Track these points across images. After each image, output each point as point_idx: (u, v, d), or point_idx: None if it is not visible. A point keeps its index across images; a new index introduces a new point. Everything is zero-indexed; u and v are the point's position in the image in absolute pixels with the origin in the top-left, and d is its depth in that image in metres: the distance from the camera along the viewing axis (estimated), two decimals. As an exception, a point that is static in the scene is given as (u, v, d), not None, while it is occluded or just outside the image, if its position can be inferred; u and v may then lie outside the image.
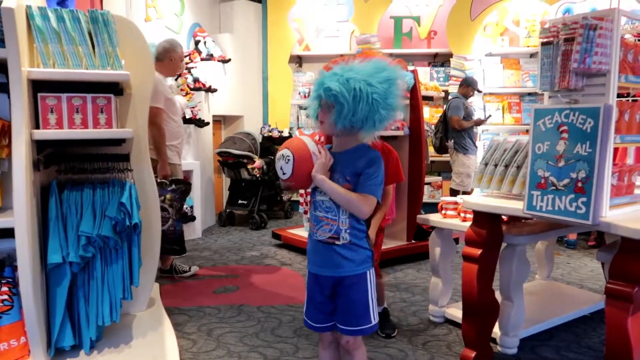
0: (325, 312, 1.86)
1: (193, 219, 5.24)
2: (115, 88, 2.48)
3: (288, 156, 1.73)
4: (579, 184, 1.94)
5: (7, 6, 2.05)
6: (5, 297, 2.23)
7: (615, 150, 2.65)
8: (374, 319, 1.84)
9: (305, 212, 4.84)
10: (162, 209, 3.42)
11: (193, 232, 5.32)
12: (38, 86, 2.29)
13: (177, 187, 3.59)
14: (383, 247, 3.21)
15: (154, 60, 3.65)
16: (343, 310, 1.83)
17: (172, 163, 3.77)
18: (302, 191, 4.48)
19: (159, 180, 3.47)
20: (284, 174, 1.74)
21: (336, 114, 1.71)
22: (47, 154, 2.38)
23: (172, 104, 3.83)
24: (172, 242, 3.61)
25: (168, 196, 3.52)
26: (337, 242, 1.77)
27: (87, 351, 2.36)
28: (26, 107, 2.17)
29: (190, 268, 3.98)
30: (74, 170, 2.50)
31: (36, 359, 2.21)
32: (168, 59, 3.78)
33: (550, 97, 2.17)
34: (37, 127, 2.29)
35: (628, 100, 2.22)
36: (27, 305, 2.16)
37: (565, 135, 1.99)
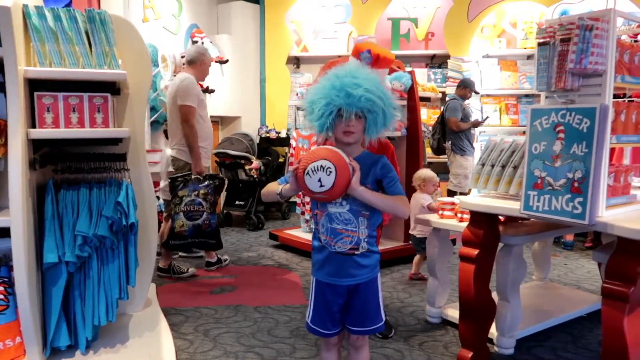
0: (339, 319, 1.88)
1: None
2: (112, 87, 2.48)
3: (330, 168, 1.61)
4: (576, 184, 1.94)
5: (4, 5, 2.05)
6: (1, 296, 2.22)
7: (612, 150, 2.66)
8: (383, 316, 1.89)
9: (303, 213, 4.83)
10: (198, 202, 3.59)
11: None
12: (34, 85, 2.28)
13: (210, 182, 3.69)
14: (380, 247, 3.20)
15: (187, 64, 3.92)
16: (357, 312, 1.84)
17: (184, 160, 3.85)
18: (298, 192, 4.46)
19: (193, 177, 3.67)
20: (321, 186, 1.63)
21: (371, 123, 1.73)
22: (43, 153, 2.38)
23: (204, 106, 3.97)
24: (208, 236, 3.72)
25: (202, 191, 3.63)
26: (356, 252, 1.78)
27: (83, 351, 2.35)
28: (22, 106, 2.17)
29: (188, 269, 3.97)
30: (70, 169, 2.50)
31: (32, 359, 2.20)
32: (200, 62, 3.93)
33: (546, 97, 2.18)
34: (34, 126, 2.29)
35: (624, 100, 2.23)
36: (23, 305, 2.15)
37: (561, 135, 1.99)
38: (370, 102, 1.68)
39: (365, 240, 1.78)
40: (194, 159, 3.73)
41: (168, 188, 4.15)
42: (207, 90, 5.74)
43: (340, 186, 1.63)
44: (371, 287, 1.84)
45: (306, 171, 1.64)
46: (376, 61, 2.71)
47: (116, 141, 2.56)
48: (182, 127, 3.75)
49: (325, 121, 1.71)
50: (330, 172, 1.61)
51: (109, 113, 2.42)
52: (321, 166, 1.62)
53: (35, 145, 2.33)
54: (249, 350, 2.66)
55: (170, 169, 4.02)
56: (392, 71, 4.05)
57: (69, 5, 3.32)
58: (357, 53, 2.73)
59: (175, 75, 5.08)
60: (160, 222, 4.75)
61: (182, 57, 5.21)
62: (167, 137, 4.69)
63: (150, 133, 4.86)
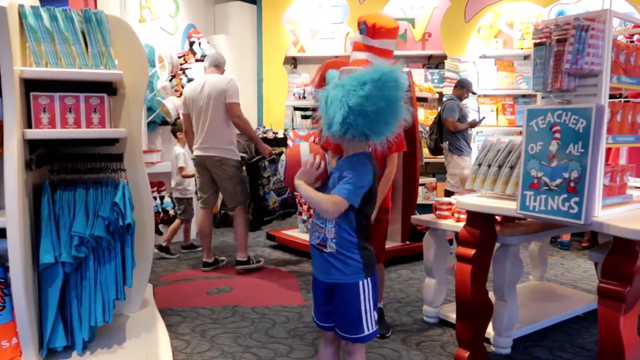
0: (324, 313, 1.90)
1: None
2: (108, 87, 2.47)
3: (283, 160, 1.90)
4: (572, 184, 1.94)
5: (0, 5, 2.04)
6: (-3, 297, 2.21)
7: (608, 150, 2.67)
8: (369, 328, 1.83)
9: (300, 214, 4.84)
10: (281, 180, 3.77)
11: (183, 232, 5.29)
12: (30, 85, 2.28)
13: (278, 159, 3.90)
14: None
15: (214, 67, 4.05)
16: (337, 316, 1.87)
17: (235, 158, 4.02)
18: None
19: (267, 160, 4.11)
20: (281, 175, 1.94)
21: (355, 137, 1.78)
22: (39, 153, 2.37)
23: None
24: (291, 206, 4.31)
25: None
26: (324, 250, 1.82)
27: (79, 352, 2.35)
28: (18, 107, 2.16)
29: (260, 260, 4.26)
30: (66, 170, 2.49)
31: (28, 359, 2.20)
32: (224, 67, 4.17)
33: (542, 97, 2.18)
34: (30, 126, 2.28)
35: (620, 100, 2.23)
36: (19, 306, 2.14)
37: (557, 135, 2.00)
38: (347, 129, 1.71)
39: (334, 240, 1.79)
40: (258, 145, 4.19)
41: (180, 186, 4.50)
42: (204, 91, 5.73)
43: (288, 178, 1.88)
44: (349, 294, 1.81)
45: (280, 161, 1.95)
46: (373, 31, 2.66)
47: (113, 141, 2.56)
48: (235, 123, 3.96)
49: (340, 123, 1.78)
50: (282, 165, 1.90)
51: (106, 113, 2.42)
52: (281, 159, 1.92)
53: (32, 146, 2.32)
54: (246, 351, 2.65)
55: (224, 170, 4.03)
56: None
57: (65, 5, 3.31)
58: (357, 26, 2.74)
59: (173, 76, 5.09)
60: (157, 223, 4.77)
61: (179, 57, 5.22)
62: (175, 137, 4.75)
63: (147, 133, 4.85)
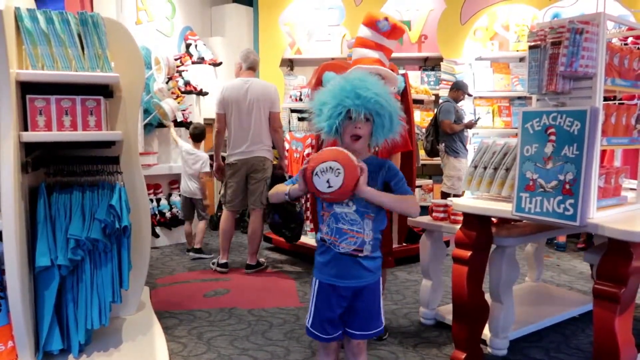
0: (339, 323, 1.85)
1: (183, 222, 5.22)
2: (104, 90, 2.47)
3: (338, 169, 1.63)
4: (567, 186, 1.96)
5: (-4, 8, 2.04)
6: (-7, 300, 2.21)
7: (603, 152, 2.68)
8: (383, 320, 1.89)
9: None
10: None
11: (184, 235, 5.29)
12: (26, 88, 2.27)
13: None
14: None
15: (250, 69, 4.13)
16: (360, 316, 1.83)
17: (272, 161, 4.17)
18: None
19: (278, 171, 4.16)
20: (329, 187, 1.64)
21: (379, 126, 1.75)
22: (35, 156, 2.37)
23: None
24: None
25: None
26: (360, 254, 1.77)
27: (75, 355, 2.34)
28: (14, 109, 2.16)
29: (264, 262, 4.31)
30: (62, 172, 2.48)
31: (24, 363, 2.19)
32: (257, 70, 4.30)
33: (538, 99, 2.20)
34: (26, 129, 2.28)
35: (615, 103, 2.25)
36: (15, 309, 2.14)
37: (552, 137, 2.01)
38: (379, 105, 1.71)
39: (370, 242, 1.78)
40: (284, 158, 4.29)
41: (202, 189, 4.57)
42: (200, 93, 5.74)
43: (348, 187, 1.64)
44: (374, 291, 1.84)
45: (315, 172, 1.65)
46: (393, 30, 2.61)
47: (109, 144, 2.55)
48: (276, 131, 4.11)
49: (334, 122, 1.74)
50: (339, 173, 1.62)
51: (102, 116, 2.41)
52: (330, 167, 1.63)
53: (28, 149, 2.31)
54: (242, 353, 2.65)
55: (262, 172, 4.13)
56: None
57: (61, 8, 3.31)
58: (372, 23, 2.62)
59: (170, 78, 5.08)
60: (154, 225, 4.77)
61: (176, 59, 5.21)
62: (197, 141, 4.80)
63: (143, 135, 4.85)
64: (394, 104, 1.76)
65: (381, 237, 1.85)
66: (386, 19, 2.57)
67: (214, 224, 5.93)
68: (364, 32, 2.67)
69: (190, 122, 5.39)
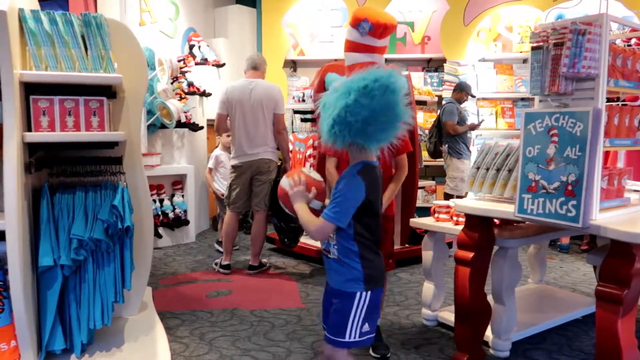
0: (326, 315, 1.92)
1: (186, 222, 5.23)
2: (108, 91, 2.48)
3: (283, 204, 1.95)
4: (569, 187, 1.95)
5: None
6: (-4, 300, 2.22)
7: (606, 153, 2.67)
8: (350, 337, 1.79)
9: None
10: None
11: (187, 236, 5.31)
12: (30, 89, 2.29)
13: None
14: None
15: (252, 69, 4.14)
16: (327, 315, 1.89)
17: (276, 162, 4.17)
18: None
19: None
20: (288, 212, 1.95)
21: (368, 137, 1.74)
22: (39, 156, 2.38)
23: None
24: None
25: None
26: (329, 255, 1.85)
27: (78, 355, 2.35)
28: (18, 110, 2.17)
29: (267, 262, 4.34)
30: (66, 173, 2.49)
31: (26, 362, 2.20)
32: (264, 70, 4.26)
33: (540, 101, 2.19)
34: (29, 129, 2.29)
35: (617, 104, 2.24)
36: (18, 309, 2.14)
37: (555, 138, 2.01)
38: (333, 137, 1.70)
39: (335, 246, 1.81)
40: (288, 160, 4.25)
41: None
42: (203, 94, 5.75)
43: (293, 212, 1.90)
44: (343, 299, 1.79)
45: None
46: (379, 29, 2.45)
47: (112, 145, 2.56)
48: (280, 133, 4.10)
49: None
50: (284, 207, 1.95)
51: (105, 116, 2.42)
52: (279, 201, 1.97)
53: (31, 149, 2.32)
54: (244, 354, 2.65)
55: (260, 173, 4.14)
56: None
57: (65, 9, 3.33)
58: (355, 24, 2.49)
59: (175, 79, 5.10)
60: (156, 226, 4.78)
61: (179, 60, 5.23)
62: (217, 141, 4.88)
63: (146, 136, 4.86)
64: (354, 124, 1.65)
65: (358, 249, 1.79)
66: (366, 19, 2.43)
67: (216, 225, 5.94)
68: (353, 35, 2.54)
69: (194, 123, 5.41)
